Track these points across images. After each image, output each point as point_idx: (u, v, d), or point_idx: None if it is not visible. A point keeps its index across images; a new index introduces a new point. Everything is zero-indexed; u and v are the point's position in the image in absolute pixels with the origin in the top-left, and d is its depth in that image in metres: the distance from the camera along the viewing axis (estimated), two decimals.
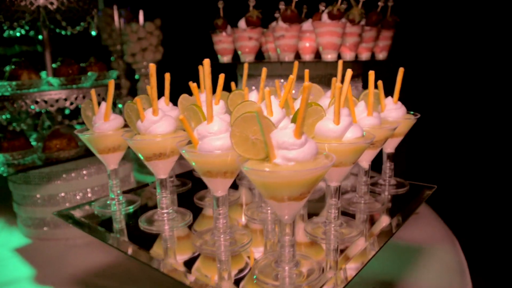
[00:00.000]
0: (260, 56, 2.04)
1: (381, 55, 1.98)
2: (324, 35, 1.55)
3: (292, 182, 0.67)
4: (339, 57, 1.77)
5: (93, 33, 2.08)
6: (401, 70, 1.10)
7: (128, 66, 2.79)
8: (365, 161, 1.06)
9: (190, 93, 1.45)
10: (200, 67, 1.25)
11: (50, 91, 1.74)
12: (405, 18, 2.04)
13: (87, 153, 1.75)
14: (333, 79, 1.19)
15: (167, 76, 1.36)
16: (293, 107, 1.10)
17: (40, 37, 2.05)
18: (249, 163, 0.70)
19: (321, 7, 1.76)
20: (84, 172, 1.76)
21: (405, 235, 1.50)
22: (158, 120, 0.95)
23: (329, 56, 1.60)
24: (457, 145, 2.95)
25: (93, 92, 1.13)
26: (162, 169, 0.99)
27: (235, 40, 1.80)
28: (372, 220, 1.04)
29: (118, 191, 1.17)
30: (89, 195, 1.82)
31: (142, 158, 0.98)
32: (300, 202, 0.70)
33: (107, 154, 1.10)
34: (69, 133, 1.75)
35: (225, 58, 1.94)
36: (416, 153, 3.03)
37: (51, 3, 1.69)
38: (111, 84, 1.07)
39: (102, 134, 1.07)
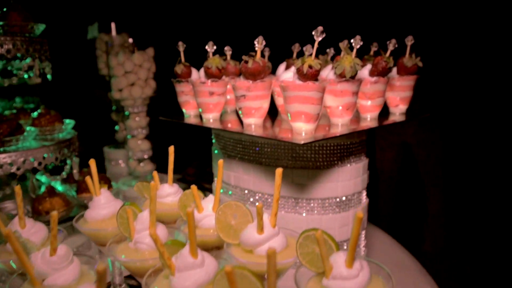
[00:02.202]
0: None
1: (397, 110, 1.46)
2: (291, 101, 1.08)
3: None
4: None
5: (48, 77, 1.77)
6: (358, 217, 0.61)
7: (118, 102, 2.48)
8: None
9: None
10: None
11: None
12: (432, 60, 1.51)
13: None
14: (258, 206, 0.73)
15: (171, 150, 1.07)
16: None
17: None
18: None
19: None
20: None
21: None
22: None
23: (302, 131, 1.12)
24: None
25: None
26: None
27: (195, 95, 1.38)
28: None
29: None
30: None
31: None
32: None
33: None
34: None
35: (192, 113, 1.52)
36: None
37: None
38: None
39: None
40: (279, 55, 1.68)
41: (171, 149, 1.05)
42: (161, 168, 2.57)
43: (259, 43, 1.16)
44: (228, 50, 1.44)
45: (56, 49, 2.65)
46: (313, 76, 1.03)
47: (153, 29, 2.88)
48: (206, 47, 1.31)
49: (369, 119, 1.35)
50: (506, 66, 2.34)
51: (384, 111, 1.43)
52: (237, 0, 2.89)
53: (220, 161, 0.86)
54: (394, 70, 1.42)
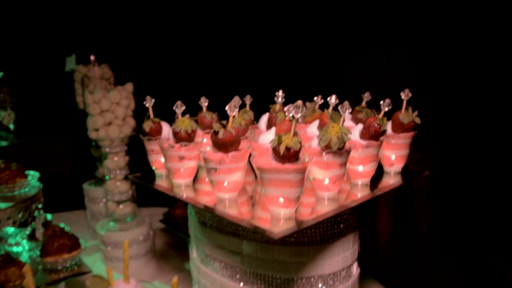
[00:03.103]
0: None
1: (392, 169, 1.31)
2: (267, 184, 0.92)
3: None
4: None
5: (11, 126, 1.62)
6: None
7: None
8: None
9: None
10: None
11: None
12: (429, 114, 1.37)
13: None
14: None
15: (126, 244, 0.94)
16: None
17: None
18: None
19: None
20: None
21: None
22: None
23: (280, 216, 0.96)
24: None
25: None
26: None
27: (164, 158, 1.23)
28: None
29: None
30: None
31: None
32: None
33: None
34: None
35: (164, 173, 1.37)
36: None
37: None
38: None
39: None
40: (262, 100, 1.54)
41: (126, 243, 0.90)
42: (143, 204, 2.41)
43: (231, 110, 1.01)
44: (204, 102, 1.29)
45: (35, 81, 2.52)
46: (292, 157, 0.87)
47: (134, 60, 2.73)
48: (174, 107, 1.16)
49: (360, 186, 1.19)
50: (496, 84, 2.26)
51: (377, 170, 1.27)
52: (220, 46, 2.76)
53: (174, 280, 0.70)
54: (389, 124, 1.27)
